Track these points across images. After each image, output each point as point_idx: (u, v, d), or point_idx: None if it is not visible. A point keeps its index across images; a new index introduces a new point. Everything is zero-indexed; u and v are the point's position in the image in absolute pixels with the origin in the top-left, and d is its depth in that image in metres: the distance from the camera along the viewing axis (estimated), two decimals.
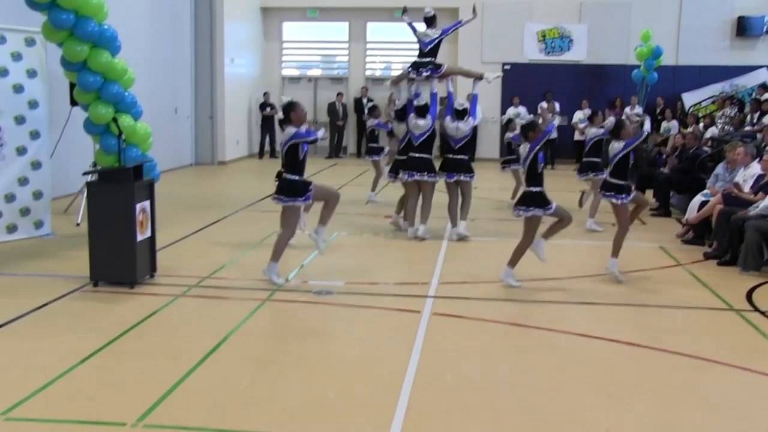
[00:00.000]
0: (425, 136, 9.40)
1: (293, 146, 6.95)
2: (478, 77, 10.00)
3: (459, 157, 9.48)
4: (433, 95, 9.72)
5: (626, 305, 6.83)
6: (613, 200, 7.55)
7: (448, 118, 9.55)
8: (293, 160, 6.99)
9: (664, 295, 7.18)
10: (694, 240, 9.36)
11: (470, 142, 10.14)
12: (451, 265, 8.19)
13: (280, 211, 7.33)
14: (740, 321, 6.45)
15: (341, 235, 9.76)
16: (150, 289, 6.99)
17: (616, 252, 7.61)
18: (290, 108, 6.98)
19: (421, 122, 9.38)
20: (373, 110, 12.87)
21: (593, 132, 10.45)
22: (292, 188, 7.01)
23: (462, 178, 9.49)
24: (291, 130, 6.93)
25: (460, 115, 9.49)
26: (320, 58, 22.09)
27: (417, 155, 9.38)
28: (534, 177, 7.22)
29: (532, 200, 7.20)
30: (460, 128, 9.48)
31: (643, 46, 18.01)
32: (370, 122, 12.47)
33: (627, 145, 7.59)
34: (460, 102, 9.65)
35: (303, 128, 6.92)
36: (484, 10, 19.73)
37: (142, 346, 5.54)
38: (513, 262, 7.39)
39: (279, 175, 7.08)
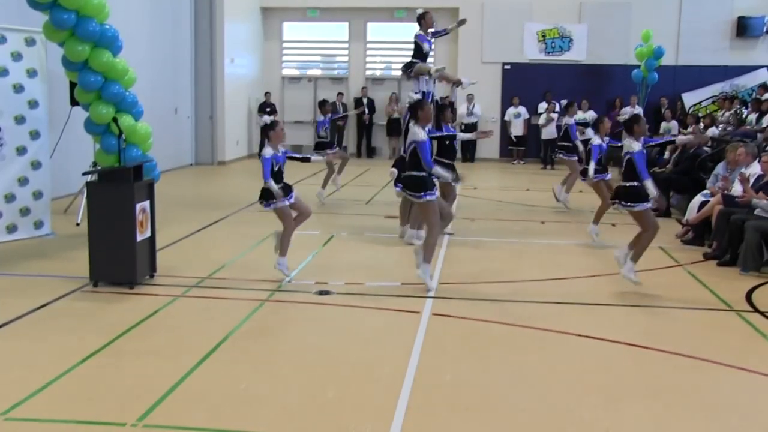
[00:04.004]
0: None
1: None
2: (455, 83, 9.94)
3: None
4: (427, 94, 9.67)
5: (626, 306, 6.84)
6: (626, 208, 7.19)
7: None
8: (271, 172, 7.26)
9: (664, 296, 7.18)
10: (694, 240, 9.36)
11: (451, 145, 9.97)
12: (450, 266, 8.19)
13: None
14: (740, 321, 6.45)
15: (341, 235, 9.77)
16: (150, 290, 6.99)
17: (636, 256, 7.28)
18: (271, 127, 7.26)
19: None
20: (321, 105, 12.77)
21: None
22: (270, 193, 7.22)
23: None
24: (265, 151, 7.22)
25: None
26: (320, 58, 22.08)
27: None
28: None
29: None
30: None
31: (644, 46, 18.02)
32: (318, 117, 12.55)
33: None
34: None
35: (271, 154, 7.16)
36: (484, 10, 19.76)
37: (142, 346, 5.54)
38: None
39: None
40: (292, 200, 7.29)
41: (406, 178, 7.29)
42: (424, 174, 7.13)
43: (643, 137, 7.14)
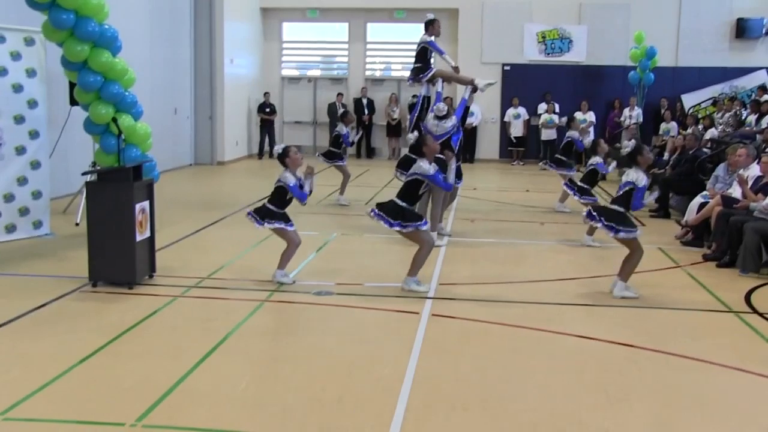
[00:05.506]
0: (445, 137, 9.30)
1: (282, 188, 7.13)
2: (469, 83, 9.95)
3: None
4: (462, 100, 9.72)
5: (625, 307, 6.84)
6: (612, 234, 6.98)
7: (430, 116, 9.52)
8: (281, 199, 7.16)
9: (663, 297, 7.18)
10: (693, 241, 9.36)
11: (446, 143, 9.95)
12: (450, 267, 8.19)
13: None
14: (739, 323, 6.46)
15: (341, 236, 9.77)
16: (149, 290, 6.99)
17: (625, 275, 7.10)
18: (284, 155, 7.15)
19: (447, 124, 9.35)
20: (344, 116, 12.80)
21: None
22: (275, 215, 7.13)
23: None
24: (286, 176, 7.09)
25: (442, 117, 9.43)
26: (320, 58, 22.08)
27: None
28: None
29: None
30: (440, 125, 9.38)
31: (637, 48, 18.02)
32: (339, 128, 12.45)
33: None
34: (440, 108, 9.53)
35: (294, 181, 7.06)
36: (484, 10, 19.77)
37: (142, 346, 5.54)
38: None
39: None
40: (293, 228, 7.22)
41: (392, 206, 7.03)
42: (411, 207, 7.09)
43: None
